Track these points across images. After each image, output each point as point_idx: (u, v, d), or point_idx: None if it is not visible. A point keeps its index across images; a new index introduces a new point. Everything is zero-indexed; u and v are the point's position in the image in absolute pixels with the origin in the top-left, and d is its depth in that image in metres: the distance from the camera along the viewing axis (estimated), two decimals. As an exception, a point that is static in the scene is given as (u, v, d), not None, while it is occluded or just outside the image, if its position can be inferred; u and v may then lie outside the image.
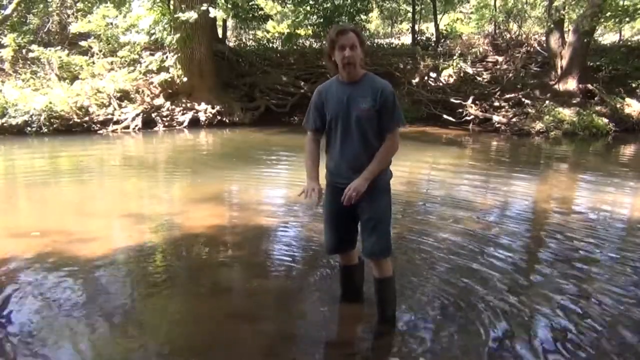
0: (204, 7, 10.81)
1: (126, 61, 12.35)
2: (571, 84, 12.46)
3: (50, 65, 12.13)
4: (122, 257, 4.01)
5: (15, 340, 2.77)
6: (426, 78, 13.49)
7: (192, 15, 10.50)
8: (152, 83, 12.12)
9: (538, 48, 14.39)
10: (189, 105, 12.08)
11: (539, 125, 11.28)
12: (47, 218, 5.05)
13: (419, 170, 7.53)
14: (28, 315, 3.04)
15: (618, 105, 11.79)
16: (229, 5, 12.94)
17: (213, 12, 10.96)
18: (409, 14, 17.94)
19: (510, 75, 13.29)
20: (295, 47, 15.24)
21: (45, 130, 10.50)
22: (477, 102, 12.40)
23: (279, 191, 6.61)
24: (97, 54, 12.56)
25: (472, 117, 12.11)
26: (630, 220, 5.24)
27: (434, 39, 15.87)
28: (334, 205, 2.74)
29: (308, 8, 15.64)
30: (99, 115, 11.25)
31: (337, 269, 3.17)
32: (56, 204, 5.72)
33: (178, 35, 11.23)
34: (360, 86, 2.61)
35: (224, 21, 14.73)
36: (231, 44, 15.56)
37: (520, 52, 14.31)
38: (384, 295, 2.86)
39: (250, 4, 14.70)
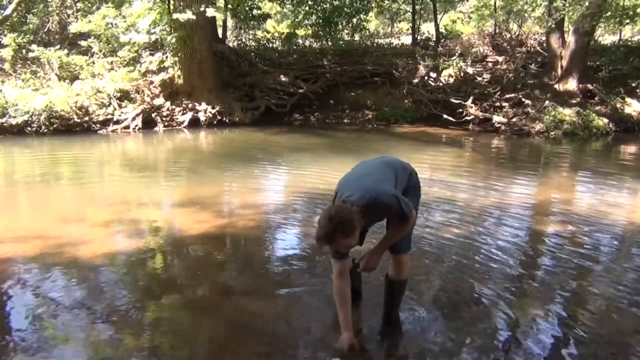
0: (203, 8, 10.75)
1: (125, 61, 12.35)
2: (571, 84, 12.45)
3: (50, 65, 12.13)
4: (121, 258, 4.02)
5: (14, 341, 2.77)
6: (426, 78, 13.49)
7: (188, 16, 10.45)
8: (152, 83, 12.12)
9: (538, 48, 14.38)
10: (189, 105, 12.08)
11: (539, 125, 11.27)
12: (46, 219, 5.05)
13: (419, 170, 7.50)
14: (27, 316, 3.04)
15: (618, 105, 11.79)
16: (229, 6, 12.93)
17: (209, 12, 10.87)
18: (409, 14, 17.93)
19: (510, 75, 13.27)
20: (295, 47, 15.24)
21: (45, 130, 10.50)
22: (477, 102, 12.39)
23: (278, 191, 6.60)
24: (97, 53, 12.57)
25: (472, 117, 12.11)
26: (630, 221, 5.24)
27: (434, 38, 15.86)
28: None
29: (307, 8, 15.65)
30: (99, 115, 11.24)
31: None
32: (55, 204, 5.73)
33: (178, 35, 11.21)
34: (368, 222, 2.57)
35: (224, 21, 14.69)
36: (231, 44, 15.55)
37: (520, 52, 14.31)
38: (394, 298, 2.87)
39: (249, 3, 14.70)
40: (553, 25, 12.70)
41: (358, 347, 2.60)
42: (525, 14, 15.41)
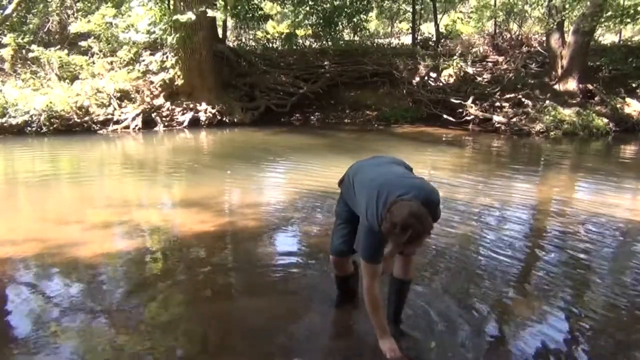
0: (203, 8, 10.73)
1: (125, 61, 12.35)
2: (571, 84, 12.45)
3: (50, 65, 12.12)
4: (121, 259, 4.01)
5: (14, 341, 2.77)
6: (426, 78, 13.49)
7: (188, 16, 10.45)
8: (152, 83, 12.12)
9: (538, 48, 14.39)
10: (189, 105, 12.08)
11: (539, 125, 11.28)
12: (46, 219, 5.05)
13: (419, 171, 7.51)
14: (27, 316, 3.04)
15: (618, 105, 11.79)
16: (229, 7, 12.90)
17: (210, 13, 10.86)
18: (409, 14, 17.93)
19: (510, 75, 13.27)
20: (295, 47, 15.25)
21: (45, 130, 10.50)
22: (477, 102, 12.39)
23: (279, 191, 6.60)
24: (97, 53, 12.57)
25: (472, 117, 12.11)
26: (631, 220, 5.24)
27: (434, 38, 15.86)
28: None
29: (307, 9, 15.65)
30: (99, 115, 11.24)
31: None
32: (55, 204, 5.73)
33: (178, 35, 11.22)
34: None
35: (224, 21, 14.70)
36: (231, 44, 15.55)
37: (520, 52, 14.31)
38: (403, 297, 2.90)
39: (250, 4, 14.68)
40: (553, 26, 12.70)
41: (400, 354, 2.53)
42: (526, 14, 15.41)
